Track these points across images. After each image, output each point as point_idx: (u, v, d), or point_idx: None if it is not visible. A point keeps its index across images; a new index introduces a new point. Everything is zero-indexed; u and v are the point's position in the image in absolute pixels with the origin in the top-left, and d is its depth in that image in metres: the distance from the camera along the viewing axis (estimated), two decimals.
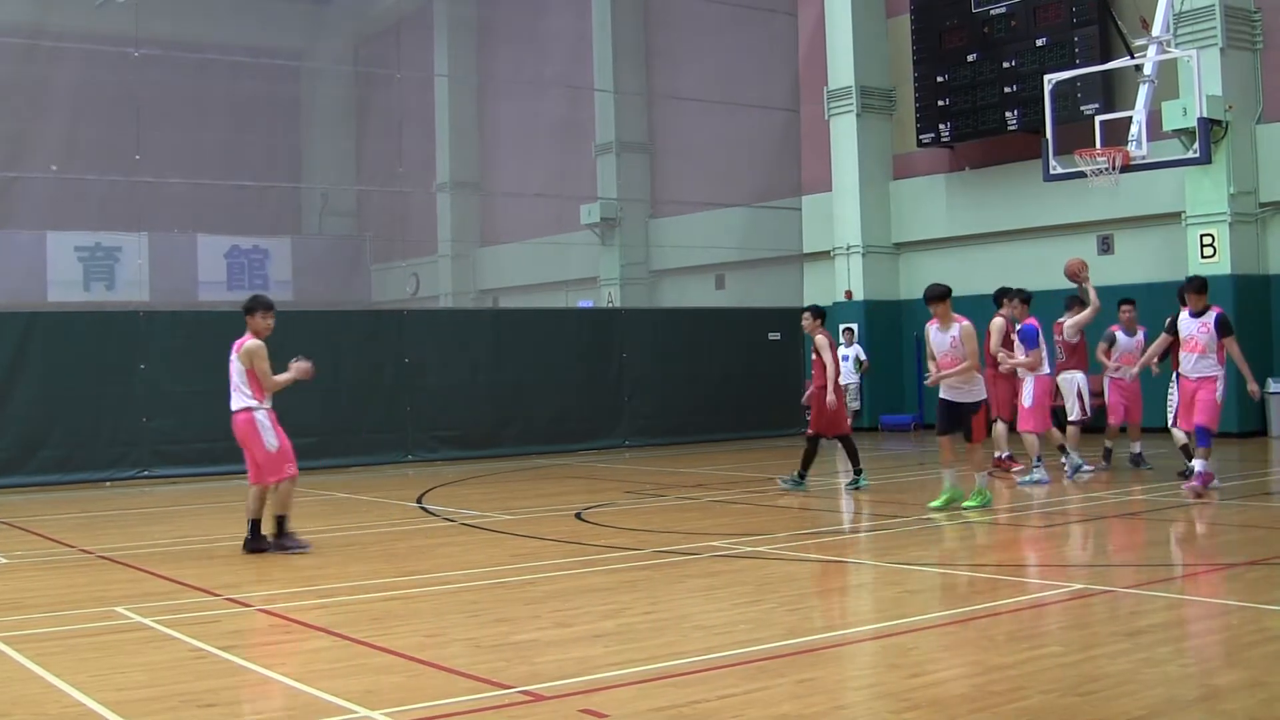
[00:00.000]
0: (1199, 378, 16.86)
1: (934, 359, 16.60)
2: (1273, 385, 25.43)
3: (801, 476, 19.16)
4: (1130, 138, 22.98)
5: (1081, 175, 23.63)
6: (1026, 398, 19.35)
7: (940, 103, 31.43)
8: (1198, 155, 24.05)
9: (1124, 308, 20.95)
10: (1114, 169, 22.99)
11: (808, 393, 19.66)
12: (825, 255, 34.34)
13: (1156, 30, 23.03)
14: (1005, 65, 30.09)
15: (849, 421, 20.12)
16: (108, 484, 23.03)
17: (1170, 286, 26.95)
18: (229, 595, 11.45)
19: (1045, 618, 9.88)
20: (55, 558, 13.62)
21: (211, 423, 23.58)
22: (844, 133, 33.77)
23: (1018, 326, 19.68)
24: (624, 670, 8.35)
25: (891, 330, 32.83)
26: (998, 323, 19.86)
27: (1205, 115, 23.94)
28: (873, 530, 15.58)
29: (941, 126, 31.47)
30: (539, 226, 41.87)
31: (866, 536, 15.20)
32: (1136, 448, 20.73)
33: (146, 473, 23.43)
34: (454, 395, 27.26)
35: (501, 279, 45.58)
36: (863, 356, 31.61)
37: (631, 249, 40.13)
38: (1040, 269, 28.91)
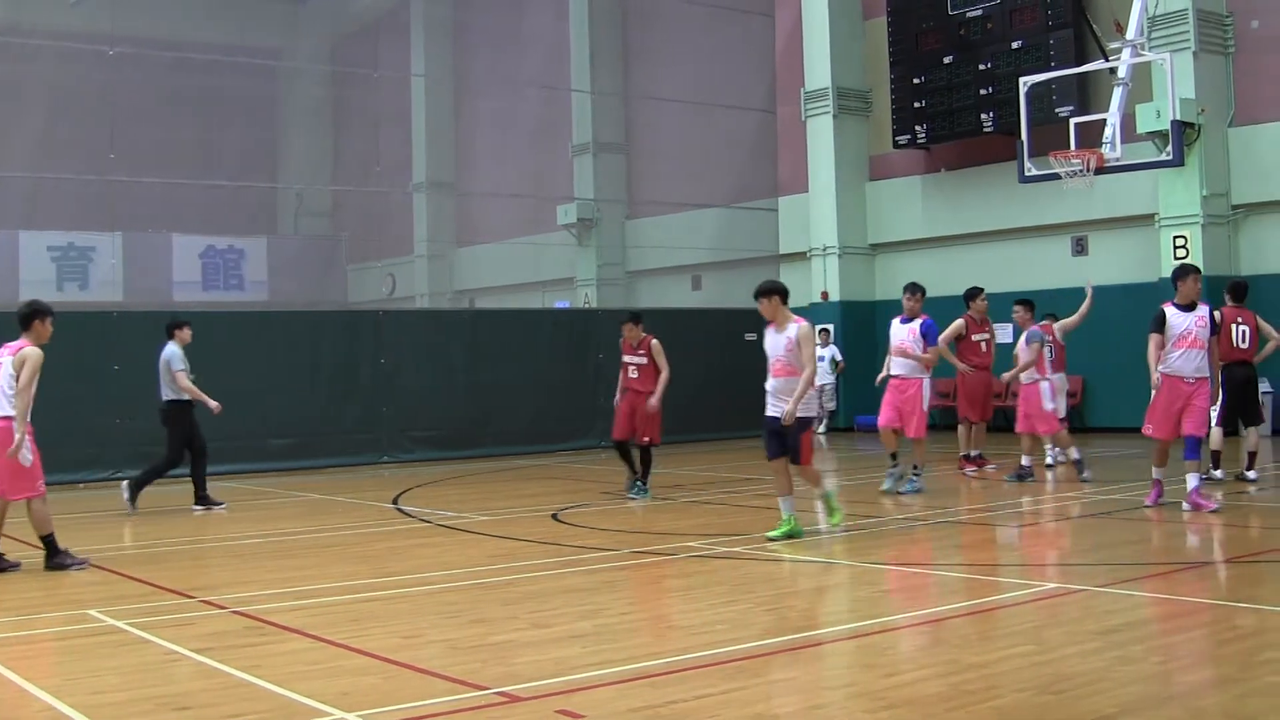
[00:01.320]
0: (1198, 379, 15.35)
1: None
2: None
3: (643, 484, 18.80)
4: (1104, 140, 23.06)
5: (1056, 177, 23.71)
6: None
7: (916, 104, 31.52)
8: (1171, 158, 24.15)
9: (1017, 308, 20.26)
10: (1088, 171, 23.07)
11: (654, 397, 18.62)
12: (801, 256, 34.41)
13: (1130, 34, 23.10)
14: (981, 67, 30.19)
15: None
16: (81, 485, 22.93)
17: (1143, 288, 27.18)
18: (204, 597, 11.41)
19: (1019, 617, 9.91)
20: (27, 561, 13.57)
21: None
22: (820, 134, 33.83)
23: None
24: (601, 671, 8.35)
25: (867, 331, 32.86)
26: (957, 323, 19.99)
27: (1178, 118, 24.04)
28: (849, 531, 15.59)
29: (917, 128, 31.56)
30: (515, 227, 41.89)
31: (843, 537, 15.21)
32: (1061, 455, 20.35)
33: (120, 474, 23.26)
34: (430, 396, 27.25)
35: (478, 279, 45.58)
36: (838, 357, 31.69)
37: (608, 249, 40.16)
38: (1015, 270, 29.04)
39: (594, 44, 40.42)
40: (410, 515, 17.63)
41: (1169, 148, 24.20)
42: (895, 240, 33.41)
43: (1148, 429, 15.50)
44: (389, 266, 48.64)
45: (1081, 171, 23.11)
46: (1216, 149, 26.89)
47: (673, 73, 38.44)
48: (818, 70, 33.84)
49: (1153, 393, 15.30)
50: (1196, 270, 15.78)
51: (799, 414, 13.77)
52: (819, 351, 30.94)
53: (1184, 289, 15.43)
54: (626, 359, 18.91)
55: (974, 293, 20.74)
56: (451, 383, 27.62)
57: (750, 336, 31.61)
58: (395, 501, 19.14)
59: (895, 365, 18.26)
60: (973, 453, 20.93)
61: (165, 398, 18.63)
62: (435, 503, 19.06)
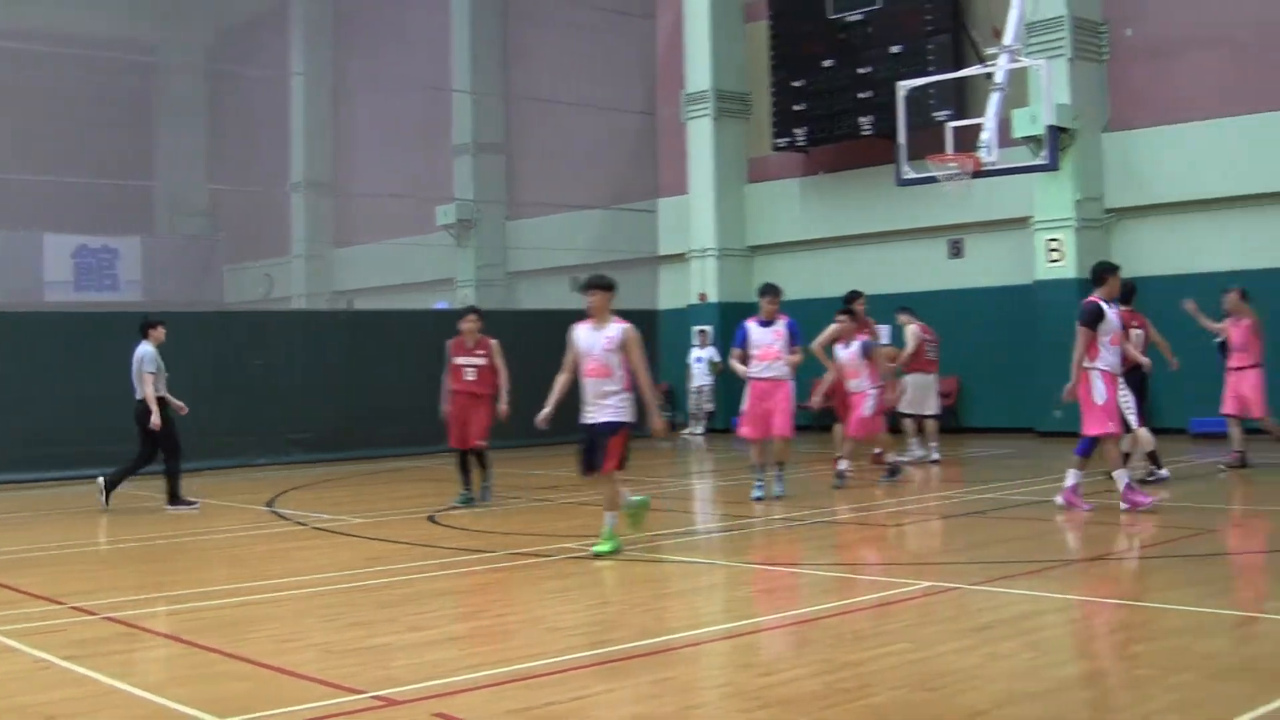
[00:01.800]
0: (1118, 375, 15.62)
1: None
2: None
3: (486, 488, 18.25)
4: (981, 144, 23.27)
5: (933, 180, 23.89)
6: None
7: (796, 107, 31.67)
8: (1046, 162, 24.42)
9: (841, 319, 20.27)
10: (965, 174, 23.27)
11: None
12: (680, 258, 34.49)
13: (1007, 40, 23.33)
14: (860, 71, 30.38)
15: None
16: None
17: (1018, 290, 27.50)
18: (74, 604, 11.20)
19: (894, 615, 9.97)
20: None
21: (59, 427, 23.28)
22: (700, 136, 33.93)
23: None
24: (478, 673, 8.31)
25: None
26: (832, 327, 20.02)
27: (1054, 123, 24.33)
28: (725, 531, 15.65)
29: (797, 131, 31.71)
30: (395, 228, 41.73)
31: (719, 538, 15.26)
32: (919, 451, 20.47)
33: None
34: (307, 397, 27.02)
35: (356, 280, 45.34)
36: (716, 358, 31.76)
37: (488, 250, 40.08)
38: (892, 272, 29.25)
39: (475, 44, 40.32)
40: (286, 518, 17.50)
41: (1044, 152, 24.48)
42: (774, 242, 33.55)
43: (1102, 428, 15.21)
44: (266, 267, 48.30)
45: (958, 175, 23.31)
46: (1091, 154, 27.26)
47: (554, 73, 38.41)
48: (698, 72, 33.94)
49: (1074, 389, 15.35)
50: (1119, 267, 16.02)
51: (617, 419, 12.97)
52: (698, 353, 31.15)
53: (1112, 285, 15.61)
54: (461, 360, 18.03)
55: (853, 296, 20.82)
56: (329, 384, 27.40)
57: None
58: (271, 504, 18.97)
59: (760, 369, 17.41)
60: (879, 451, 20.95)
61: (138, 397, 18.41)
62: (311, 505, 18.91)
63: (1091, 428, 15.24)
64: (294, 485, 21.72)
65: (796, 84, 31.71)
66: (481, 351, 18.12)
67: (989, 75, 23.83)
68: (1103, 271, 15.73)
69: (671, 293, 34.74)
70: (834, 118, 31.00)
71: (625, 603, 10.83)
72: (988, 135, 23.14)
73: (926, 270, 29.89)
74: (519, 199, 40.33)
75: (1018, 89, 25.05)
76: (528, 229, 39.49)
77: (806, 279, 31.76)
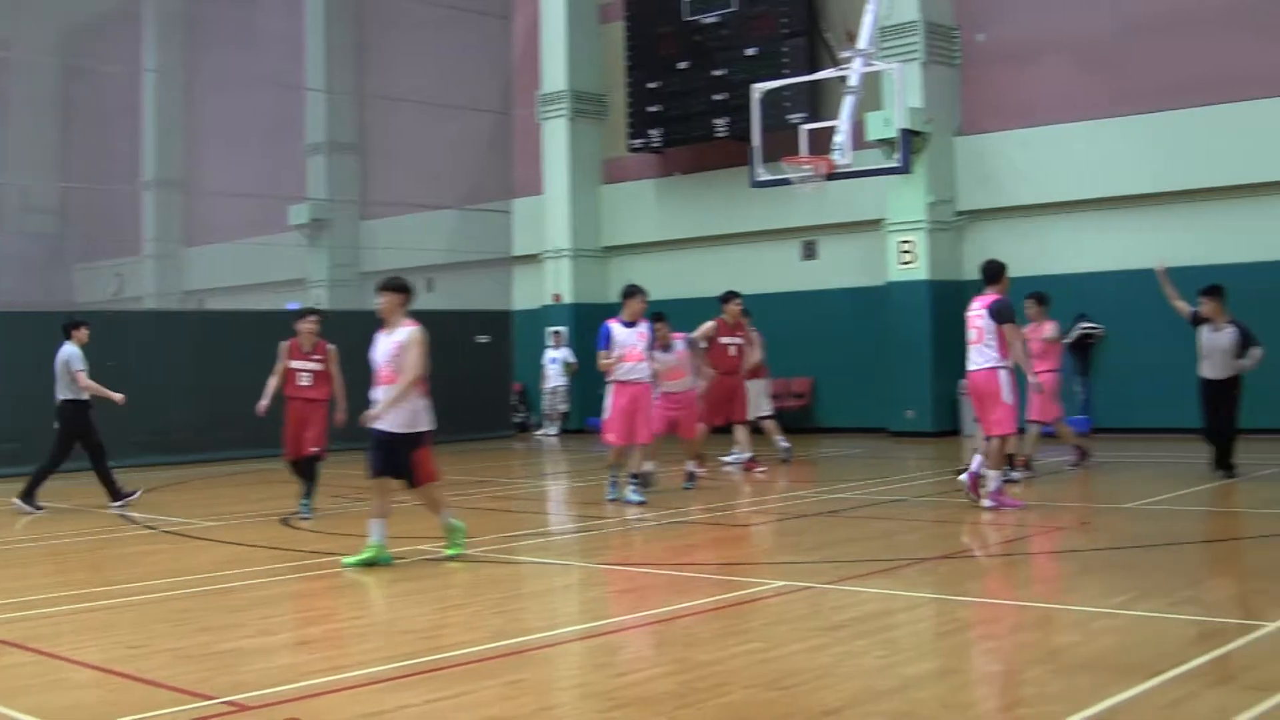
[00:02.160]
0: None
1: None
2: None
3: (309, 500, 17.05)
4: (834, 146, 23.43)
5: (787, 182, 24.02)
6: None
7: (651, 109, 31.75)
8: (899, 165, 24.66)
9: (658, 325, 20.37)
10: (819, 176, 23.41)
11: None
12: (535, 258, 34.45)
13: (861, 43, 23.50)
14: (715, 73, 30.52)
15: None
16: None
17: (871, 291, 27.77)
18: None
19: (748, 615, 10.03)
20: None
21: None
22: (555, 136, 33.94)
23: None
24: (331, 677, 8.28)
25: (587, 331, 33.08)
26: (708, 325, 20.07)
27: (906, 126, 24.57)
28: (579, 532, 15.66)
29: (652, 132, 31.80)
30: (247, 227, 41.26)
31: (574, 539, 15.27)
32: (649, 466, 20.25)
33: None
34: (158, 398, 26.62)
35: (208, 280, 44.80)
36: (571, 359, 31.77)
37: (340, 250, 39.78)
38: (747, 273, 29.39)
39: (329, 42, 40.02)
40: (134, 521, 17.26)
41: (897, 155, 24.72)
42: (629, 243, 33.61)
43: (1009, 428, 15.55)
44: (117, 266, 47.61)
45: (812, 177, 23.46)
46: (943, 157, 27.62)
47: (409, 73, 38.18)
48: (553, 73, 33.95)
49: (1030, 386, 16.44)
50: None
51: (412, 429, 12.68)
52: (552, 354, 31.14)
53: (1006, 283, 15.92)
54: (297, 365, 17.10)
55: (728, 296, 20.83)
56: (180, 385, 27.04)
57: (483, 338, 31.67)
58: (120, 507, 18.71)
59: (626, 371, 17.21)
60: (746, 454, 20.95)
61: (62, 397, 18.56)
62: (161, 509, 18.63)
63: (999, 427, 15.45)
64: (144, 488, 21.38)
65: (652, 85, 31.80)
66: (319, 356, 17.22)
67: (843, 78, 23.99)
68: (1000, 269, 16.00)
69: (526, 293, 34.69)
70: (689, 119, 31.11)
71: (479, 605, 10.80)
72: (841, 138, 23.30)
73: (780, 271, 30.09)
74: (373, 199, 40.05)
75: (871, 92, 25.27)
76: (381, 229, 39.22)
77: (661, 280, 31.82)
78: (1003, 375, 15.38)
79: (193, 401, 27.00)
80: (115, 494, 18.64)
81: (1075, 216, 26.76)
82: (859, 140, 24.82)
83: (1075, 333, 25.35)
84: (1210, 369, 17.95)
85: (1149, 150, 25.65)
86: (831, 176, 23.66)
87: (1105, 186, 26.26)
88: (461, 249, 35.46)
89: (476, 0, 36.03)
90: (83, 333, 18.84)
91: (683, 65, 31.25)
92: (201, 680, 8.26)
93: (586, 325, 33.11)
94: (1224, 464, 18.02)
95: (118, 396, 18.61)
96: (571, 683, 8.37)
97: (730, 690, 7.63)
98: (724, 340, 20.48)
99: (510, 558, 13.25)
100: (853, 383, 29.12)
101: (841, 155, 23.34)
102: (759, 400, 22.31)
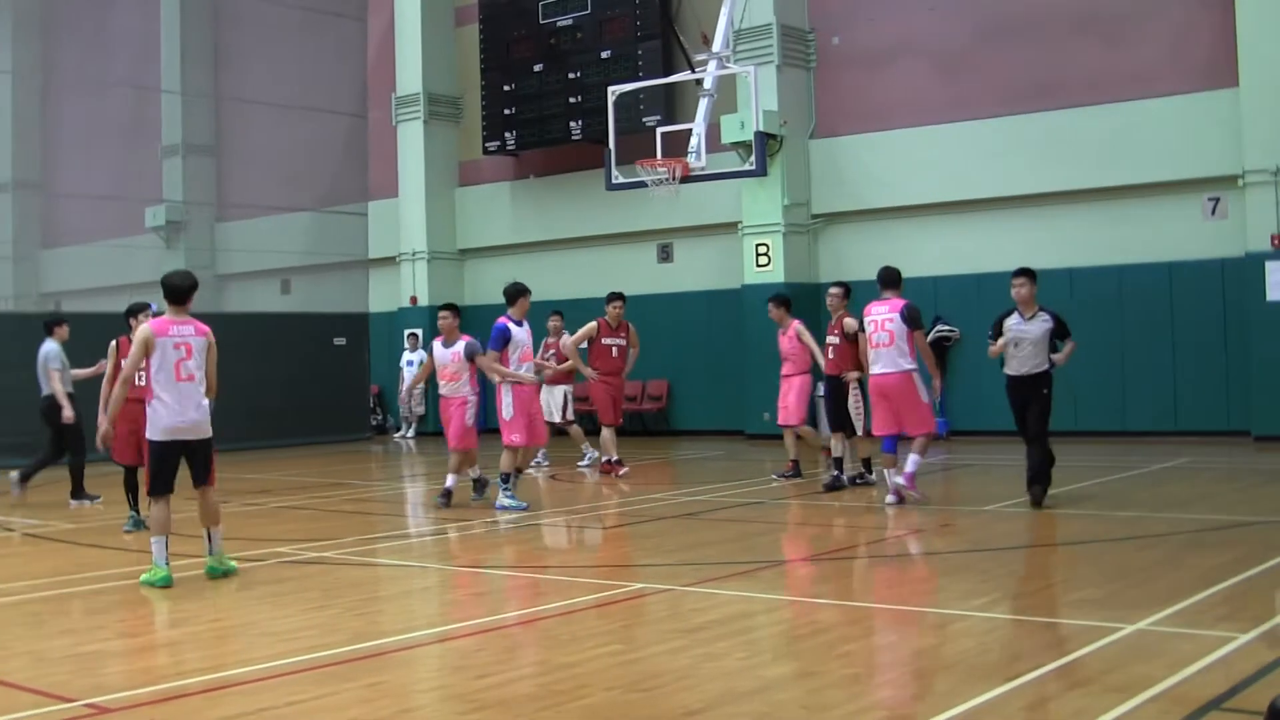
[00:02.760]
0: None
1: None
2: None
3: (140, 514, 15.65)
4: (690, 149, 23.48)
5: (643, 185, 24.02)
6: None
7: (506, 111, 31.71)
8: (754, 168, 24.72)
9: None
10: (674, 179, 23.43)
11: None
12: (391, 261, 34.29)
13: (717, 46, 23.58)
14: (571, 76, 30.54)
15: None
16: None
17: (727, 294, 27.92)
18: None
19: (608, 617, 10.05)
20: None
21: None
22: (411, 139, 33.80)
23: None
24: (191, 679, 8.24)
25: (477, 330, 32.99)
26: (590, 326, 20.03)
27: (762, 129, 24.61)
28: (439, 535, 15.62)
29: (507, 135, 31.76)
30: (104, 229, 40.70)
31: (433, 541, 15.23)
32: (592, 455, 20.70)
33: None
34: (15, 401, 26.18)
35: (65, 282, 44.10)
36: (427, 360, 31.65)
37: (196, 253, 39.30)
38: (604, 275, 29.41)
39: (184, 43, 39.55)
40: None
41: (752, 158, 24.79)
42: (485, 245, 33.56)
43: (930, 426, 16.41)
44: None
45: (667, 180, 23.48)
46: (798, 160, 27.82)
47: (265, 75, 37.85)
48: (409, 75, 33.82)
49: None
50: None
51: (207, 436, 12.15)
52: (409, 356, 31.04)
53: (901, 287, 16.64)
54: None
55: (611, 298, 20.85)
56: (35, 387, 26.58)
57: (340, 340, 31.50)
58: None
59: (526, 369, 17.07)
60: (613, 458, 20.81)
61: (45, 393, 18.74)
62: (19, 511, 18.37)
63: (924, 425, 16.14)
64: (2, 491, 21.04)
65: (507, 88, 31.75)
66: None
67: (698, 81, 24.09)
68: (898, 274, 16.62)
69: (383, 296, 34.50)
70: (544, 122, 31.11)
71: (339, 607, 10.74)
72: (696, 141, 23.37)
73: (636, 274, 30.14)
74: (229, 201, 39.65)
75: (726, 95, 25.41)
76: (237, 231, 38.85)
77: (518, 282, 31.89)
78: (916, 378, 15.96)
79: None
80: (79, 491, 18.98)
81: (927, 220, 27.06)
82: (714, 143, 24.94)
83: (931, 335, 25.62)
84: (1016, 364, 15.82)
85: (999, 154, 25.99)
86: (687, 179, 23.72)
87: (956, 190, 26.58)
88: (318, 251, 35.23)
89: (332, 2, 35.82)
90: (63, 330, 19.21)
91: (538, 68, 31.25)
92: (62, 683, 8.19)
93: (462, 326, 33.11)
94: (1039, 478, 15.63)
95: (68, 414, 18.62)
96: (431, 685, 8.36)
97: (591, 692, 7.65)
98: (606, 341, 20.56)
99: (370, 560, 13.19)
100: (709, 385, 29.25)
101: (697, 158, 23.41)
102: (565, 406, 22.34)
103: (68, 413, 18.44)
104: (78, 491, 18.82)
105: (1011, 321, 15.78)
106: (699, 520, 15.80)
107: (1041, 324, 15.68)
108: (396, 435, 32.46)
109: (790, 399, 19.11)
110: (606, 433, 20.63)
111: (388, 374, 33.08)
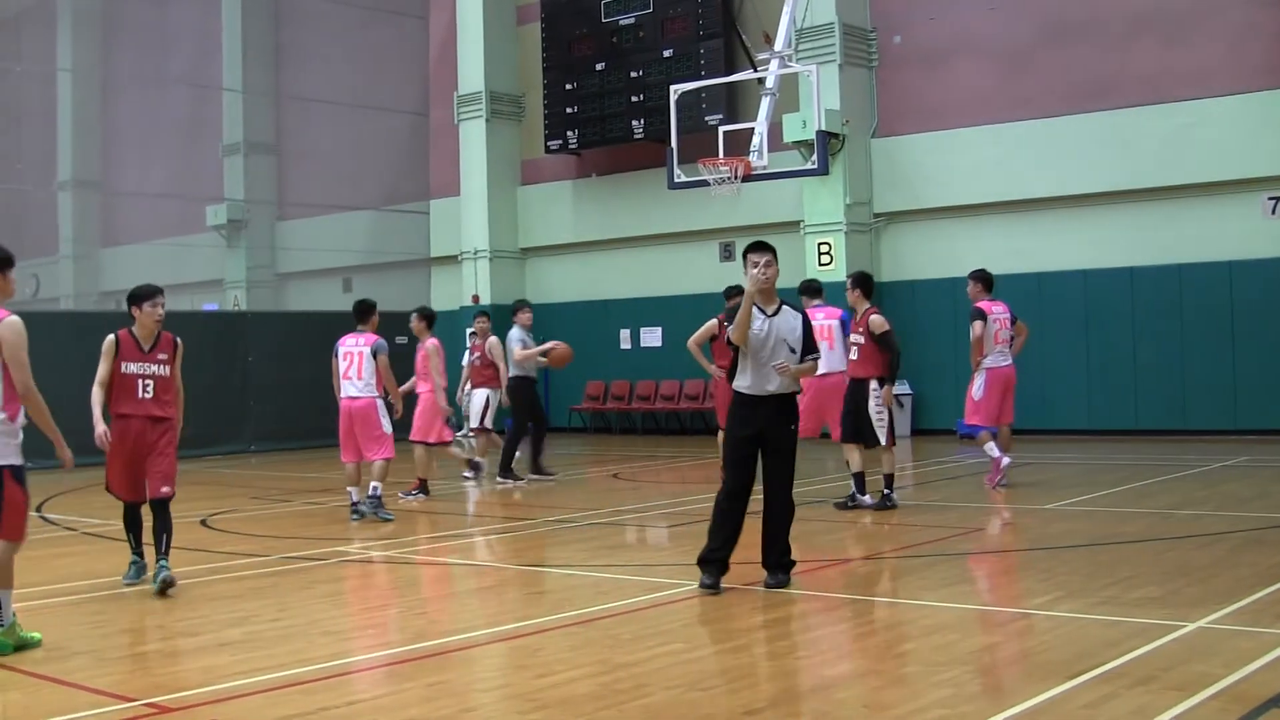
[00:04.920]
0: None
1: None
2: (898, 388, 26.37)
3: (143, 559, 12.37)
4: (751, 148, 23.50)
5: (705, 184, 24.05)
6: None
7: (568, 110, 31.77)
8: (816, 167, 24.74)
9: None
10: (735, 178, 23.46)
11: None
12: (453, 259, 34.38)
13: (779, 45, 23.59)
14: (633, 75, 30.57)
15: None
16: None
17: (789, 294, 27.81)
18: None
19: (669, 616, 10.06)
20: None
21: None
22: (473, 138, 33.88)
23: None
24: (251, 679, 8.26)
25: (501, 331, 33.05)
26: (710, 323, 18.72)
27: (823, 128, 24.67)
28: (501, 534, 15.66)
29: (569, 133, 31.82)
30: (164, 228, 40.92)
31: (496, 540, 15.27)
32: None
33: None
34: (75, 399, 26.38)
35: (125, 280, 44.25)
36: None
37: (258, 251, 39.49)
38: (664, 274, 29.45)
39: (246, 42, 39.69)
40: (54, 523, 17.15)
41: (814, 157, 24.79)
42: (546, 244, 33.62)
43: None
44: (33, 267, 47.10)
45: (729, 179, 23.51)
46: (859, 159, 27.79)
47: (326, 73, 37.99)
48: (471, 74, 33.91)
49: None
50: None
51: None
52: (467, 356, 31.02)
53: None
54: (134, 368, 12.47)
55: (729, 293, 19.52)
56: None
57: (401, 339, 31.55)
58: (39, 509, 18.54)
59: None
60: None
61: (513, 373, 19.94)
62: (80, 510, 18.50)
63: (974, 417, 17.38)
64: (63, 489, 21.19)
65: (569, 86, 31.82)
66: (163, 354, 12.48)
67: (760, 80, 24.11)
68: (870, 279, 16.63)
69: (444, 295, 34.58)
70: (606, 121, 31.16)
71: (400, 606, 10.81)
72: (758, 139, 23.38)
73: (698, 273, 30.14)
74: (290, 200, 39.81)
75: (788, 94, 25.41)
76: (298, 230, 39.00)
77: (579, 281, 32.00)
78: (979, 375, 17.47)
79: None
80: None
81: (987, 219, 27.00)
82: (776, 142, 24.95)
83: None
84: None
85: (1059, 154, 25.93)
86: (748, 178, 23.74)
87: (1016, 189, 26.53)
88: (379, 250, 35.36)
89: (394, 1, 35.94)
90: (525, 315, 21.09)
91: (600, 66, 31.31)
92: (121, 682, 8.26)
93: (504, 326, 33.13)
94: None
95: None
96: (492, 684, 8.39)
97: (651, 691, 7.68)
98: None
99: (432, 559, 13.25)
100: None
101: (759, 157, 23.42)
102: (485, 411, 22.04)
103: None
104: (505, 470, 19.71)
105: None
106: (756, 519, 15.78)
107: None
108: (460, 433, 32.52)
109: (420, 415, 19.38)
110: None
111: (450, 372, 33.16)
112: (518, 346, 20.33)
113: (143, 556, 12.07)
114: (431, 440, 18.81)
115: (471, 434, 22.14)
